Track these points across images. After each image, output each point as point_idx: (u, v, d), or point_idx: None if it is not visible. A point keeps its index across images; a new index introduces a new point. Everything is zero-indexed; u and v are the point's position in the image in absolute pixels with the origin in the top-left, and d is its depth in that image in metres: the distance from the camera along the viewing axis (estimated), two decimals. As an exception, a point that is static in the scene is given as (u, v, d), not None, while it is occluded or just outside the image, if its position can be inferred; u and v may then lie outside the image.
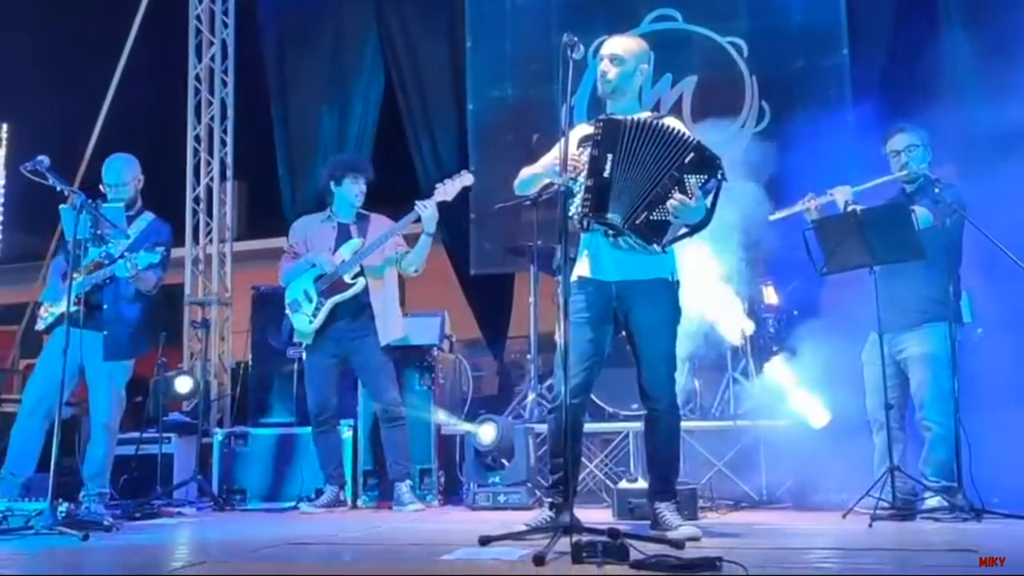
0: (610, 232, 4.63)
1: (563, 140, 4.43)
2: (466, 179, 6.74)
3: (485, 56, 9.27)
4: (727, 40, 8.54)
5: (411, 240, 6.83)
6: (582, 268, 4.77)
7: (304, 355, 6.91)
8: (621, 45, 4.84)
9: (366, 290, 6.68)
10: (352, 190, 6.82)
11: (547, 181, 4.95)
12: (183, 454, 7.78)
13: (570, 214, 4.55)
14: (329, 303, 6.64)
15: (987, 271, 5.85)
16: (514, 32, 9.11)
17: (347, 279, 6.65)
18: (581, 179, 4.56)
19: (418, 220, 6.61)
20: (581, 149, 4.63)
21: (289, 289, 6.82)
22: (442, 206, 6.67)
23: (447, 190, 6.67)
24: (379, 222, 6.87)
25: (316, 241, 6.84)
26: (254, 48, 10.34)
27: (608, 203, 4.52)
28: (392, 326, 6.74)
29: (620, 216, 4.53)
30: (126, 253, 5.93)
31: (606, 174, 4.52)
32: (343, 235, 6.81)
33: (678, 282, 4.79)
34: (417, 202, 6.59)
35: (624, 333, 4.82)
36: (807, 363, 6.50)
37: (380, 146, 9.88)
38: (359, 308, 6.68)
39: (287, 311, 6.82)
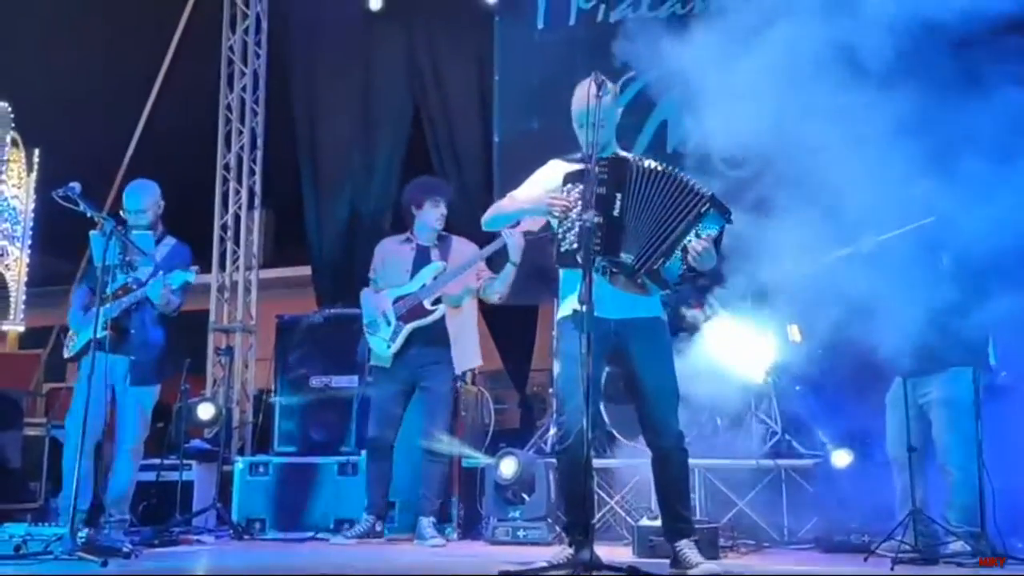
0: (611, 270, 4.63)
1: (587, 176, 4.45)
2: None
3: (512, 89, 9.29)
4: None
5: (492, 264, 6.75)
6: (575, 304, 4.71)
7: (371, 377, 6.86)
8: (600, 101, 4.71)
9: (443, 316, 6.59)
10: (433, 215, 6.73)
11: (530, 219, 4.92)
12: (203, 482, 7.77)
13: (563, 249, 4.55)
14: (407, 328, 6.54)
15: (1012, 312, 5.80)
16: (542, 67, 9.12)
17: (427, 305, 6.55)
18: (573, 215, 4.53)
19: (504, 247, 6.39)
20: (570, 186, 4.61)
21: (365, 310, 6.74)
22: (466, 236, 6.64)
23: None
24: (461, 245, 6.79)
25: (392, 263, 6.77)
26: (285, 79, 10.42)
27: (620, 244, 4.53)
28: (469, 353, 6.67)
29: (632, 257, 4.54)
30: (159, 274, 5.97)
31: (616, 213, 4.52)
32: (422, 258, 6.71)
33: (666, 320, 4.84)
34: (504, 230, 6.29)
35: (621, 371, 4.82)
36: (830, 402, 6.47)
37: (407, 177, 9.89)
38: (435, 334, 6.57)
39: (365, 331, 6.74)
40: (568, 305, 4.76)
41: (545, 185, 4.82)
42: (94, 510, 6.11)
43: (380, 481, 6.68)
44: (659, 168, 4.60)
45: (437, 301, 6.57)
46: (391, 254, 6.83)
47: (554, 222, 4.68)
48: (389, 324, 6.58)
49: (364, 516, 6.63)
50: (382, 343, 6.59)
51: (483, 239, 6.40)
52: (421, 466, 6.64)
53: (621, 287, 4.66)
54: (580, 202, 4.54)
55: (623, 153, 4.83)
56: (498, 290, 6.63)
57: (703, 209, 4.52)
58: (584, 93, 4.70)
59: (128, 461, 6.13)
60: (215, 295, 10.22)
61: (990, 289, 5.63)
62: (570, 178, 4.65)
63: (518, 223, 5.43)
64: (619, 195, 4.53)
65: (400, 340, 6.55)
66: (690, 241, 4.53)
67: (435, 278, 6.59)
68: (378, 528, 6.68)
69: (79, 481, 5.20)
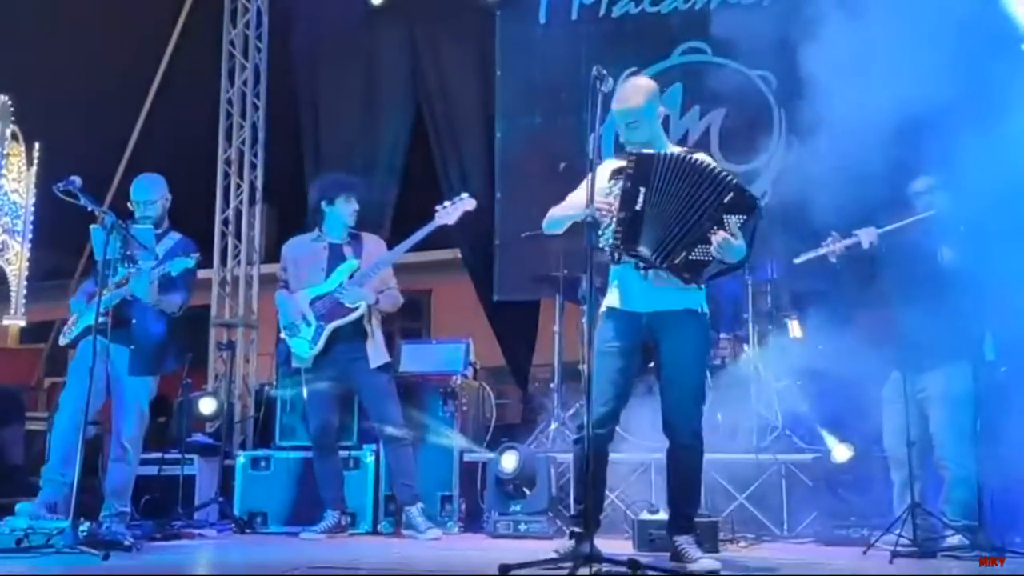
0: (641, 264, 4.62)
1: (589, 174, 4.45)
2: (467, 204, 6.60)
3: (514, 85, 9.30)
4: (756, 73, 8.49)
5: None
6: (612, 299, 4.76)
7: (303, 379, 6.73)
8: (631, 101, 4.75)
9: (363, 314, 6.55)
10: (346, 210, 6.67)
11: (575, 220, 4.89)
12: (205, 476, 7.77)
13: (600, 245, 4.55)
14: (329, 327, 6.48)
15: (1011, 306, 5.80)
16: (543, 62, 9.13)
17: (348, 304, 6.51)
18: (613, 211, 4.56)
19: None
20: (613, 182, 4.63)
21: (283, 312, 6.67)
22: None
23: (448, 213, 6.55)
24: (372, 243, 6.78)
25: (306, 263, 6.69)
26: (286, 73, 10.42)
27: (640, 236, 4.53)
28: (380, 350, 6.61)
29: (650, 250, 4.54)
30: (156, 268, 5.95)
31: (638, 207, 4.52)
32: (335, 256, 6.64)
33: (707, 313, 4.78)
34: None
35: (652, 364, 4.82)
36: (829, 397, 6.48)
37: (409, 172, 9.92)
38: (356, 331, 6.53)
39: (284, 335, 6.67)
40: (607, 300, 4.79)
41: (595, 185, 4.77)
42: (95, 503, 6.11)
43: (332, 477, 6.67)
44: (684, 158, 4.59)
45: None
46: (303, 254, 6.76)
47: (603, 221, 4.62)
48: (310, 325, 6.52)
49: (328, 512, 6.58)
50: (304, 344, 6.53)
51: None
52: (387, 458, 6.69)
53: (653, 281, 4.65)
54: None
55: (676, 149, 4.80)
56: (385, 309, 6.75)
57: (726, 199, 4.46)
58: (620, 93, 4.75)
59: (124, 453, 6.10)
60: (216, 290, 10.23)
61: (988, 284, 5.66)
62: (614, 175, 4.67)
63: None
64: (643, 189, 4.53)
65: (323, 339, 6.50)
66: (715, 231, 4.46)
67: (351, 276, 6.54)
68: (343, 523, 6.64)
69: (79, 470, 5.20)
